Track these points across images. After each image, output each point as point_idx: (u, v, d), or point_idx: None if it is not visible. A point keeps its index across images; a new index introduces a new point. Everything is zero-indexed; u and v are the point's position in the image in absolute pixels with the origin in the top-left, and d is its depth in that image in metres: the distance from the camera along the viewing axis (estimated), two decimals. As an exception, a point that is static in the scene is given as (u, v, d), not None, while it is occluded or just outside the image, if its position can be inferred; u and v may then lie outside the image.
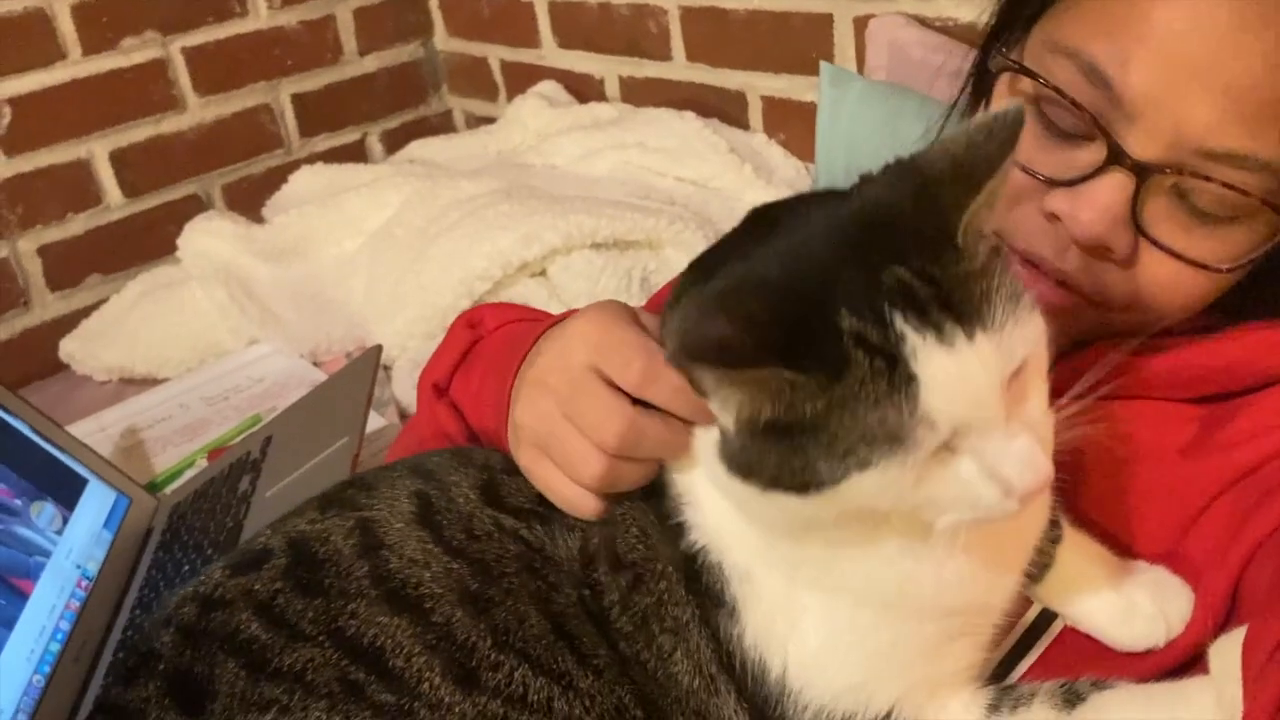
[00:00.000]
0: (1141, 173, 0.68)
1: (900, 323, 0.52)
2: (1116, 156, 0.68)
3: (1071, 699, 0.62)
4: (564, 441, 0.65)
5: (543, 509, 0.68)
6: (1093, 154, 0.69)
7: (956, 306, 0.53)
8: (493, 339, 0.88)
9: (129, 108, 2.01)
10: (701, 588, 0.64)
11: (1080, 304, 0.73)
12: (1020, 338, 0.54)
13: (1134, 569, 0.70)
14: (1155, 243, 0.70)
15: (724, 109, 1.84)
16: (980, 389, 0.53)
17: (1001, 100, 0.75)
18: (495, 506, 0.68)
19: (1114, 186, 0.68)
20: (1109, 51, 0.67)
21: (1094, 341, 0.75)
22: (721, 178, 1.70)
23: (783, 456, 0.55)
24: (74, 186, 1.98)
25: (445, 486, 0.69)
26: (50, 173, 1.94)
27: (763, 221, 0.62)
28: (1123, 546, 0.71)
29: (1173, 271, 0.71)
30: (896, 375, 0.52)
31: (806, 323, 0.53)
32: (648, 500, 0.66)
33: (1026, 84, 0.72)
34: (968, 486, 0.55)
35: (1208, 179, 0.67)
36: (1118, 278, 0.72)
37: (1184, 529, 0.70)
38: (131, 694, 0.63)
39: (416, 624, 0.62)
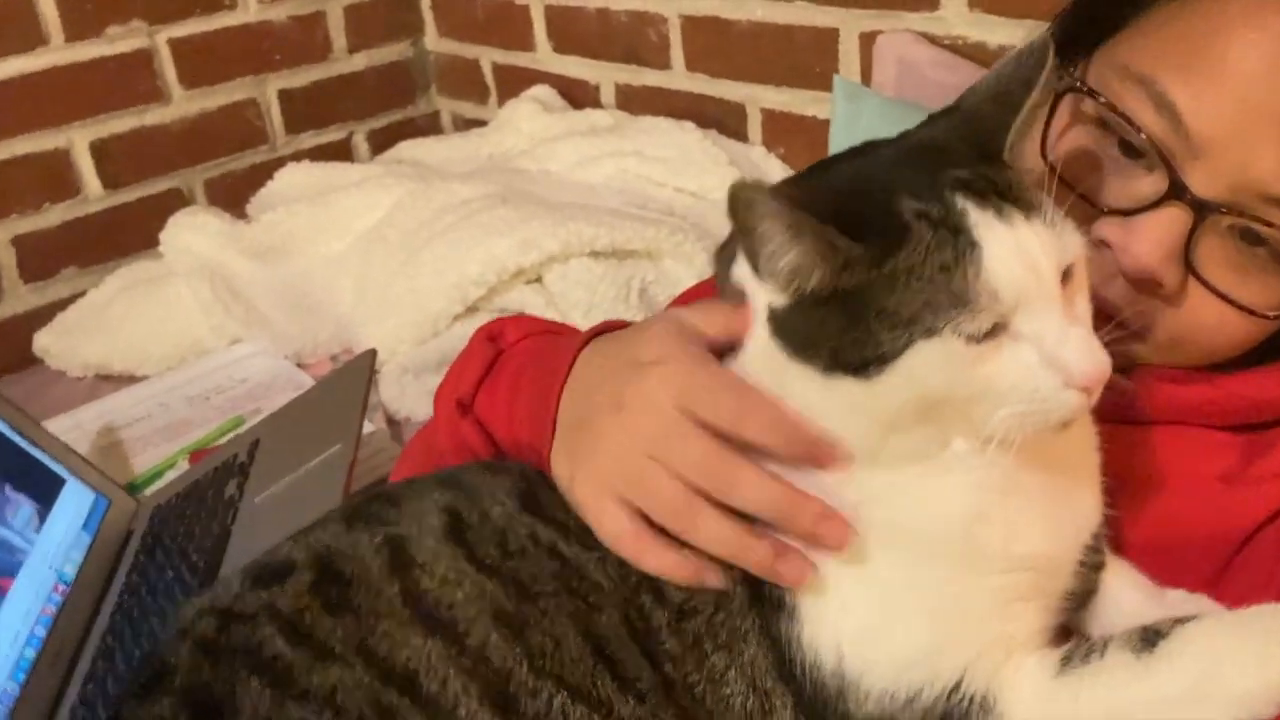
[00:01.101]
0: (1201, 210, 0.67)
1: (961, 200, 0.56)
2: (1178, 191, 0.67)
3: (1151, 639, 0.60)
4: (649, 481, 0.63)
5: (583, 523, 0.65)
6: (1151, 185, 0.68)
7: (1012, 196, 0.57)
8: (517, 352, 0.86)
9: (112, 98, 1.96)
10: (763, 597, 0.63)
11: (1121, 337, 0.72)
12: (1071, 240, 0.58)
13: (1177, 597, 0.68)
14: (1205, 283, 0.69)
15: (723, 120, 1.82)
16: (1040, 264, 0.56)
17: (1062, 120, 0.74)
18: (533, 514, 0.66)
19: (1171, 221, 0.68)
20: (1182, 85, 0.66)
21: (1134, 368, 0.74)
22: (721, 190, 1.66)
23: (843, 326, 0.57)
24: (52, 176, 1.92)
25: (478, 499, 0.67)
26: (28, 161, 1.89)
27: (820, 164, 0.66)
28: (1166, 575, 0.69)
29: (1218, 313, 0.70)
30: (960, 242, 0.55)
31: (867, 209, 0.57)
32: None
33: (1090, 106, 0.71)
34: (1027, 372, 0.56)
35: (1268, 224, 0.66)
36: (1162, 314, 0.71)
37: (1227, 558, 0.69)
38: (145, 711, 0.60)
39: (451, 646, 0.59)
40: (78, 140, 1.94)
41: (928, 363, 0.56)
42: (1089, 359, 0.56)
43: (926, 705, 0.60)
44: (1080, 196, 0.69)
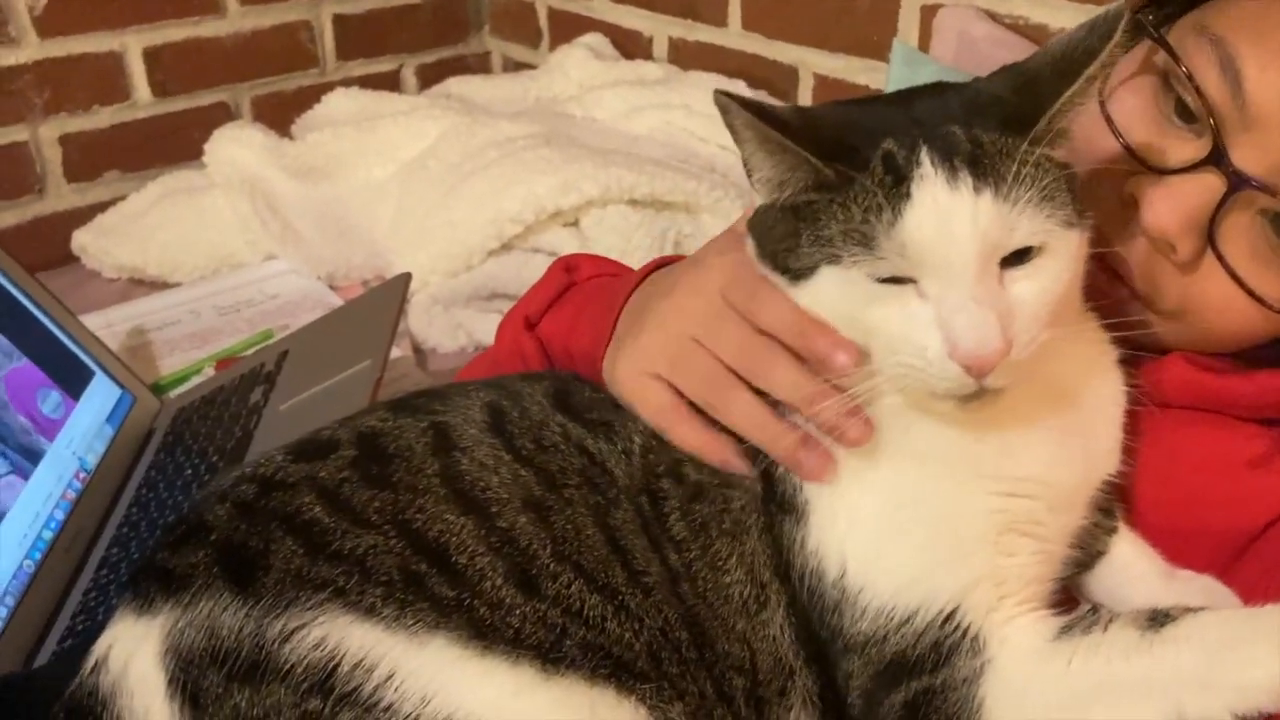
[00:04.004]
0: (1236, 183, 0.66)
1: (924, 154, 0.58)
2: (1217, 157, 0.66)
3: (1160, 620, 0.60)
4: (690, 358, 0.67)
5: (613, 418, 0.68)
6: (1195, 151, 0.68)
7: (980, 166, 0.57)
8: (587, 286, 0.91)
9: (168, 5, 1.96)
10: (774, 497, 0.65)
11: (1127, 299, 0.72)
12: (1030, 225, 0.58)
13: (1185, 576, 0.69)
14: (1220, 258, 0.68)
15: (773, 82, 1.81)
16: (962, 235, 0.56)
17: (1130, 66, 0.73)
18: (565, 413, 0.68)
19: (1202, 187, 0.67)
20: (1252, 52, 0.66)
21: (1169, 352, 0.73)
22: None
23: (785, 234, 0.61)
24: (104, 79, 1.93)
25: (518, 397, 0.69)
26: (81, 61, 1.90)
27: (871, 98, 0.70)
28: (1179, 558, 0.70)
29: (1226, 294, 0.69)
30: (896, 191, 0.57)
31: (858, 143, 0.59)
32: None
33: (1160, 59, 0.70)
34: (917, 327, 0.58)
35: None
36: (1171, 281, 0.71)
37: (1242, 545, 0.69)
38: (178, 559, 0.61)
39: (482, 526, 0.61)
40: (132, 45, 1.94)
41: (830, 288, 0.60)
42: (974, 336, 0.56)
43: (919, 629, 0.61)
44: (1125, 148, 0.69)
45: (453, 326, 1.53)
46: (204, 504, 0.64)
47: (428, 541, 0.60)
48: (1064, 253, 0.60)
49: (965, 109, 0.61)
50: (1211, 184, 0.67)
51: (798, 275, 0.61)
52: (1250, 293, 0.68)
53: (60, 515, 1.13)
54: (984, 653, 0.61)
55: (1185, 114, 0.69)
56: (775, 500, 0.65)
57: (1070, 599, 0.68)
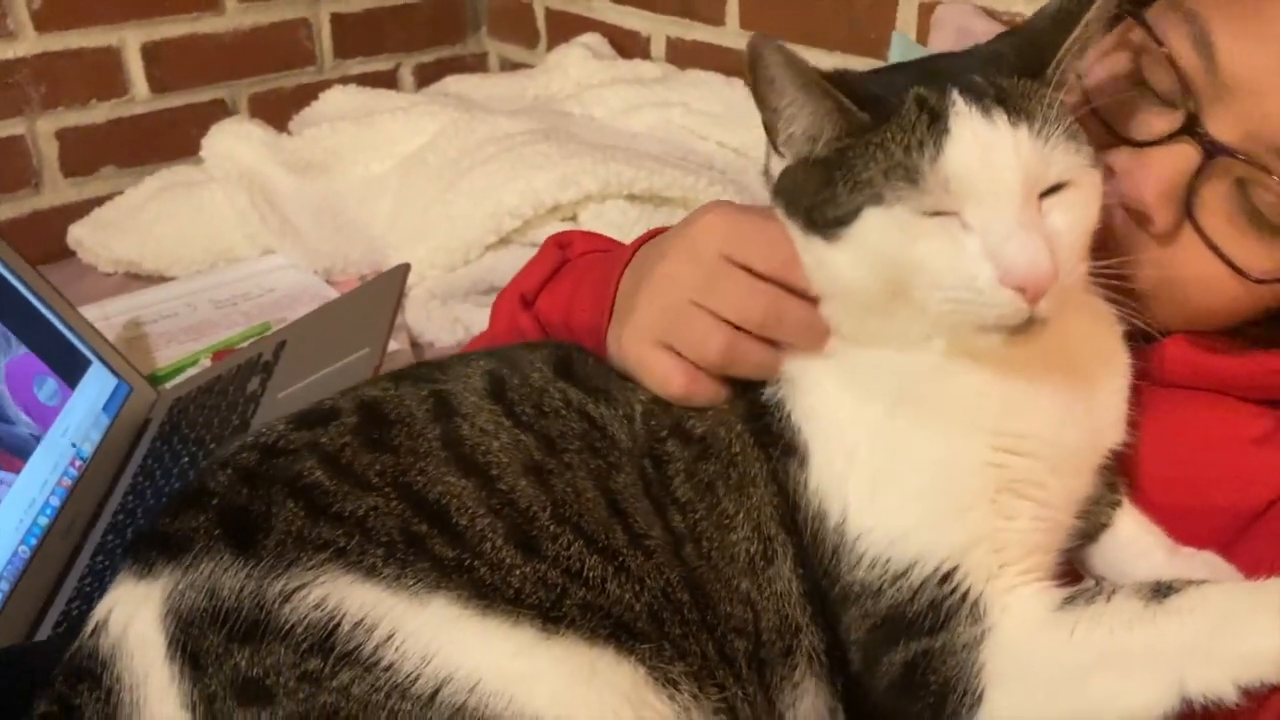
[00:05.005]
0: (1210, 151, 0.67)
1: (956, 94, 0.59)
2: (1191, 127, 0.67)
3: (1163, 591, 0.60)
4: (692, 321, 0.67)
5: (613, 388, 0.68)
6: (1171, 123, 0.69)
7: (1010, 103, 0.59)
8: (581, 262, 0.91)
9: (167, 1, 1.96)
10: (773, 437, 0.66)
11: (1115, 283, 0.72)
12: (1063, 160, 0.60)
13: (1187, 552, 0.69)
14: (1198, 228, 0.69)
15: (771, 82, 1.81)
16: (1005, 165, 0.58)
17: (1109, 42, 0.74)
18: (566, 379, 0.68)
19: (1178, 157, 0.68)
20: (1222, 23, 0.67)
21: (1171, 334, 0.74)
22: (763, 148, 1.67)
23: (819, 185, 0.61)
24: (102, 74, 1.93)
25: (518, 365, 0.69)
26: (79, 55, 1.90)
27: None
28: (1183, 536, 0.70)
29: (1205, 268, 0.69)
30: (935, 127, 0.59)
31: (883, 93, 0.61)
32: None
33: (1137, 35, 0.71)
34: (966, 256, 0.58)
35: (1271, 174, 0.65)
36: (1152, 254, 0.70)
37: (1245, 523, 0.69)
38: (179, 524, 0.61)
39: (483, 488, 0.61)
40: (130, 40, 1.94)
41: (875, 230, 0.60)
42: (1026, 259, 0.57)
43: (915, 585, 0.61)
44: (1103, 122, 0.70)
45: (450, 320, 1.53)
46: (205, 472, 0.64)
47: (428, 503, 0.60)
48: (1091, 190, 0.61)
49: (979, 64, 0.63)
50: (1188, 154, 0.67)
51: (837, 223, 0.61)
52: (1228, 261, 0.68)
53: (56, 502, 1.13)
54: (985, 620, 0.61)
55: (1162, 87, 0.69)
56: (773, 440, 0.65)
57: (1074, 574, 0.68)
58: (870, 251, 0.60)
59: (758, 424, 0.66)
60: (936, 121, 0.59)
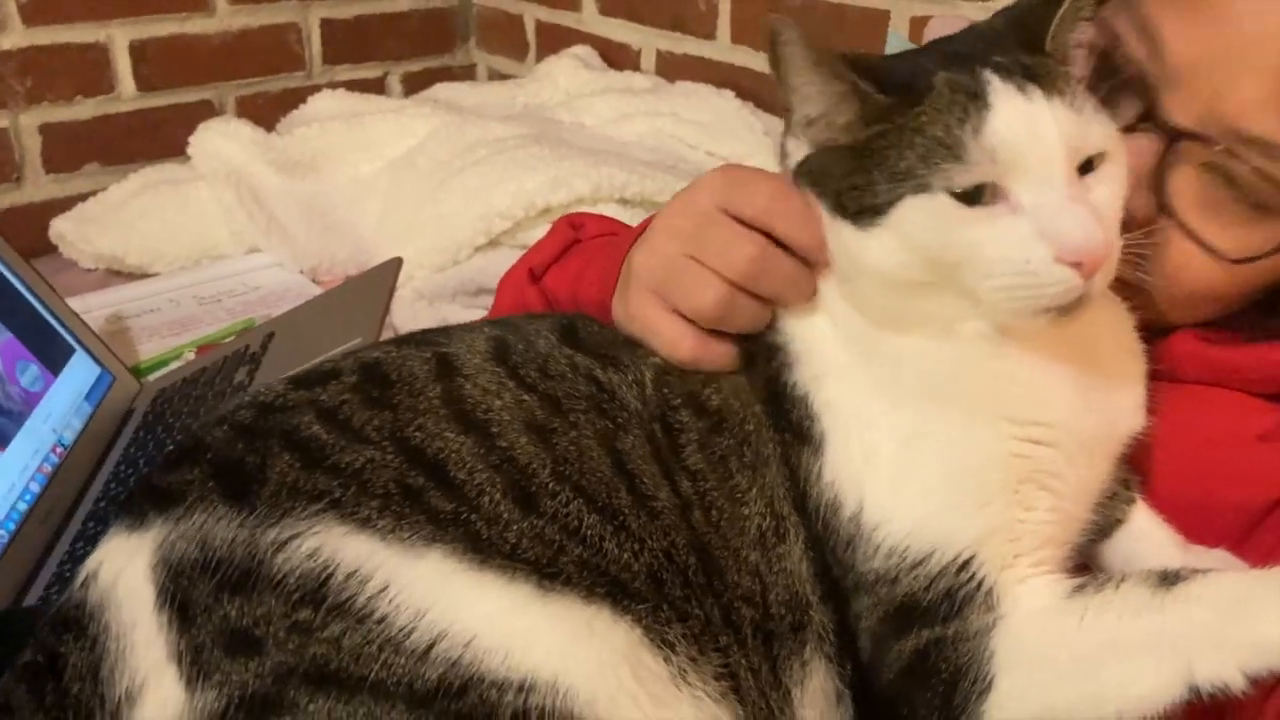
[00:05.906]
0: (1172, 137, 0.67)
1: (987, 74, 0.59)
2: (1148, 115, 0.68)
3: (1172, 579, 0.60)
4: (683, 274, 0.66)
5: (621, 354, 0.68)
6: (1130, 113, 0.69)
7: (1039, 78, 0.59)
8: (592, 243, 0.91)
9: (157, 0, 1.96)
10: (788, 424, 0.65)
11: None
12: (1098, 130, 0.60)
13: (1199, 550, 0.69)
14: (1172, 214, 0.69)
15: (759, 94, 1.82)
16: (1049, 135, 0.57)
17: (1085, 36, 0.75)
18: (573, 346, 0.67)
19: (1143, 145, 0.68)
20: (1165, 11, 0.68)
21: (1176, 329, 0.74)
22: (754, 159, 1.68)
23: (849, 171, 0.60)
24: (88, 70, 1.92)
25: (524, 332, 0.68)
26: (66, 51, 1.89)
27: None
28: (1194, 534, 0.70)
29: (1185, 253, 0.70)
30: (973, 104, 0.58)
31: (907, 76, 0.60)
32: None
33: (1092, 33, 0.72)
34: (1018, 240, 0.57)
35: (1236, 156, 0.66)
36: (1134, 246, 0.71)
37: (1255, 519, 0.69)
38: (173, 477, 0.60)
39: (482, 445, 0.61)
40: (118, 37, 1.93)
41: (916, 218, 0.58)
42: (1083, 231, 0.57)
43: (933, 573, 0.61)
44: None
45: (437, 321, 1.51)
46: (201, 428, 0.63)
47: (426, 457, 0.60)
48: (1122, 161, 0.61)
49: (990, 43, 0.62)
50: (1147, 143, 0.68)
51: (875, 212, 0.60)
52: (1203, 244, 0.69)
53: (36, 488, 1.11)
54: (997, 608, 0.61)
55: (1124, 83, 0.70)
56: (788, 426, 0.65)
57: (1086, 570, 0.68)
58: (909, 239, 0.59)
59: (775, 407, 0.65)
60: (974, 100, 0.58)
